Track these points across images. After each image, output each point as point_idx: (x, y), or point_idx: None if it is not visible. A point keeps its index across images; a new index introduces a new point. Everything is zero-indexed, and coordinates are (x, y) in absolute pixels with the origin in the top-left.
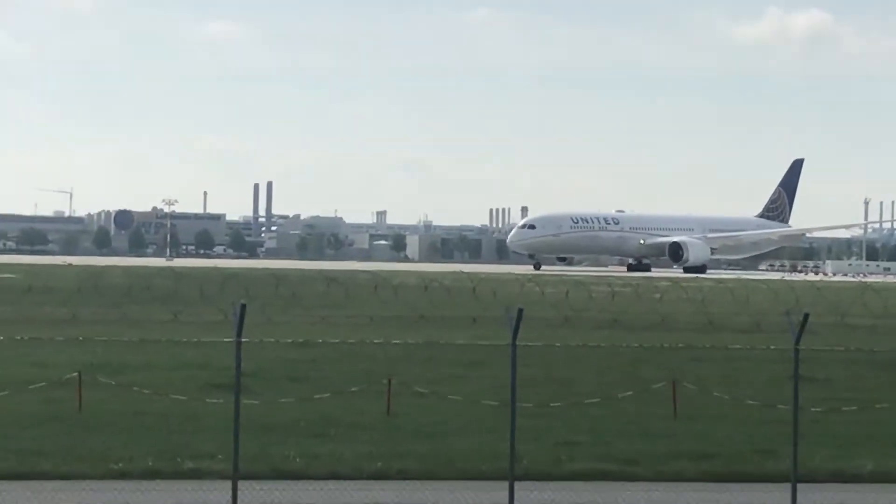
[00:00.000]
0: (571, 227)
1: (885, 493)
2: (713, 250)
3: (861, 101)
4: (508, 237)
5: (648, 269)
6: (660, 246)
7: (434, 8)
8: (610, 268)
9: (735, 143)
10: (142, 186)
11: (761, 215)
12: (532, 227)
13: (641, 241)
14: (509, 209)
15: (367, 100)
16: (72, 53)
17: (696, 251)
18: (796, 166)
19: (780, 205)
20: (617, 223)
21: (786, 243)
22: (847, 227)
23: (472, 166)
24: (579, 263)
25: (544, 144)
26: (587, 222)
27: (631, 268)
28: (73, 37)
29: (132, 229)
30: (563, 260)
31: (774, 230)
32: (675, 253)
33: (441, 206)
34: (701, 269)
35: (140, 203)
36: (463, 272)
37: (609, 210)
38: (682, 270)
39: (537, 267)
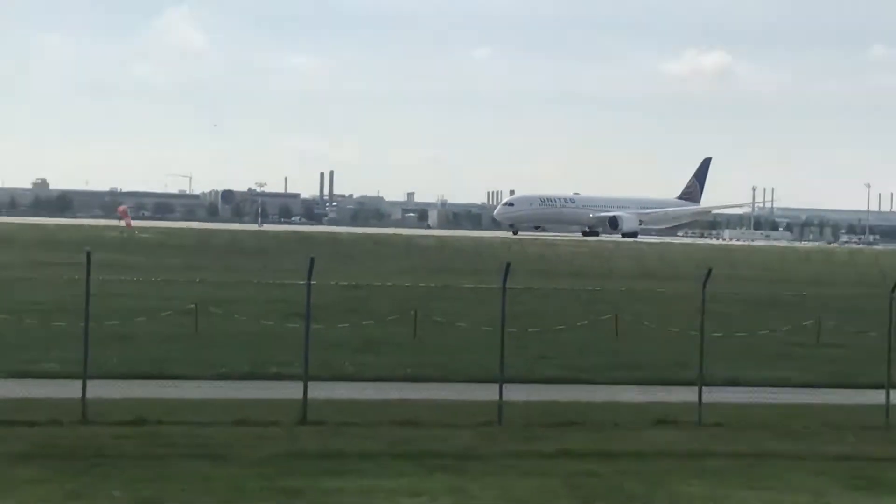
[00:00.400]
0: (540, 205)
1: (765, 393)
2: (641, 222)
3: (753, 117)
4: (494, 212)
5: (597, 235)
6: (604, 219)
7: (448, 46)
8: (569, 234)
9: (663, 145)
10: (242, 172)
11: (680, 197)
12: (511, 204)
13: (591, 215)
14: (501, 192)
15: (401, 112)
16: (194, 76)
17: (629, 223)
18: (706, 163)
19: (693, 190)
20: (573, 202)
21: (697, 217)
22: (740, 206)
23: (477, 161)
24: (548, 230)
25: (528, 145)
26: (552, 201)
27: (585, 234)
28: (194, 65)
29: (234, 204)
30: (537, 228)
31: (687, 208)
32: (614, 223)
33: (455, 189)
34: (633, 235)
35: (240, 184)
36: (469, 236)
37: (568, 193)
38: (620, 236)
39: (515, 233)
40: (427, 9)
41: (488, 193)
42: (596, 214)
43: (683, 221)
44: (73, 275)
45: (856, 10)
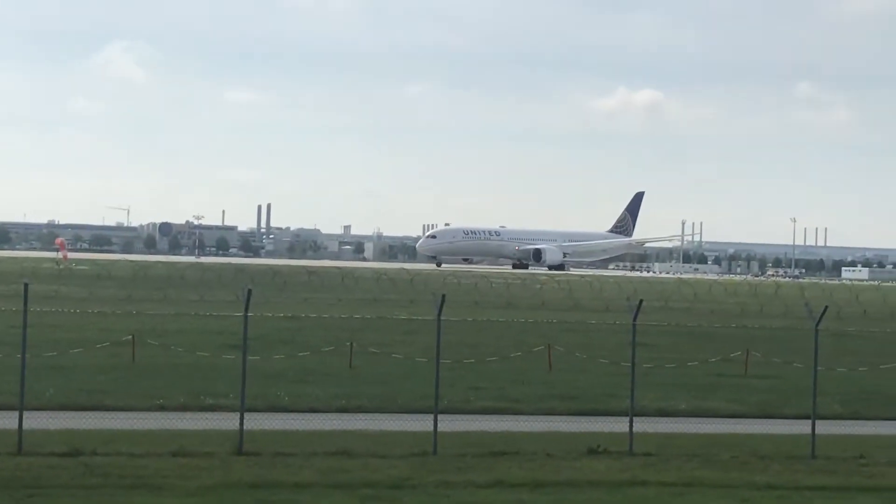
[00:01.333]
0: (463, 237)
1: (695, 423)
2: (566, 254)
3: (682, 152)
4: (418, 244)
5: (527, 267)
6: (528, 251)
7: (379, 83)
8: (499, 267)
9: (595, 180)
10: (180, 205)
11: (612, 230)
12: (434, 237)
13: (516, 248)
14: (436, 225)
15: (339, 144)
16: (132, 110)
17: (552, 255)
18: (638, 197)
19: (625, 224)
20: (498, 235)
21: (628, 250)
22: (669, 238)
23: (412, 194)
24: (478, 263)
25: (462, 180)
26: (475, 234)
27: (515, 266)
28: (133, 98)
29: (171, 236)
30: (466, 260)
31: (616, 240)
32: (537, 256)
33: (390, 222)
34: (560, 267)
35: (177, 217)
36: (405, 269)
37: (494, 226)
38: (546, 268)
39: (438, 265)
40: (362, 45)
41: (423, 226)
42: (522, 247)
43: (614, 254)
44: (10, 306)
45: (781, 47)
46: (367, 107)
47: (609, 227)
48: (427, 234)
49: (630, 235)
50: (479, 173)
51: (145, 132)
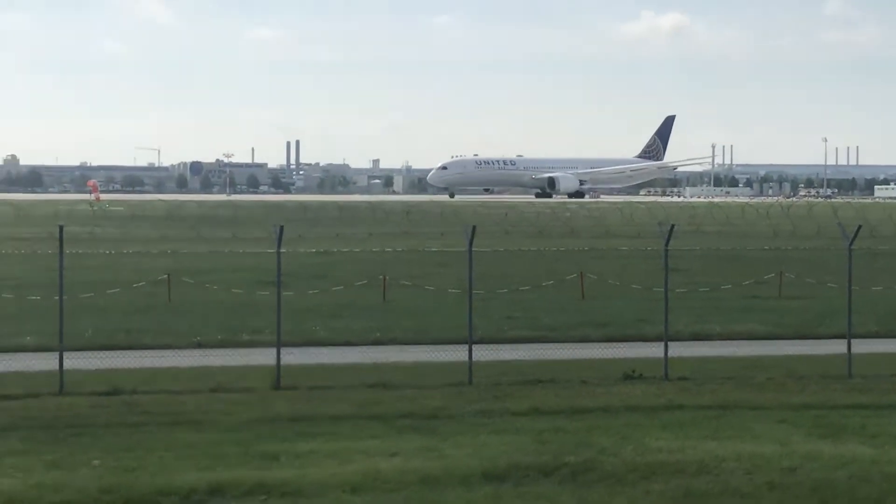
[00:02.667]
0: (476, 168)
1: (729, 347)
2: (582, 182)
3: (712, 75)
4: (429, 176)
5: (551, 196)
6: (543, 179)
7: (405, 17)
8: (519, 196)
9: (625, 106)
10: (210, 144)
11: (640, 155)
12: (445, 168)
13: (532, 177)
14: (463, 156)
15: (365, 79)
16: (160, 50)
17: (566, 182)
18: (668, 121)
19: (654, 148)
20: (514, 164)
21: (657, 175)
22: (699, 161)
23: (440, 126)
24: (499, 193)
25: (491, 110)
26: (488, 164)
27: (538, 195)
28: (159, 38)
29: (202, 175)
30: (487, 191)
31: (643, 164)
32: (551, 184)
33: (419, 155)
34: (579, 194)
35: (208, 156)
36: (434, 201)
37: (513, 155)
38: (566, 196)
39: (451, 196)
40: None
41: (452, 158)
42: (537, 176)
43: (643, 179)
44: (45, 249)
45: None
46: (392, 40)
47: (638, 152)
48: (438, 165)
49: (660, 160)
50: (506, 103)
51: (173, 72)
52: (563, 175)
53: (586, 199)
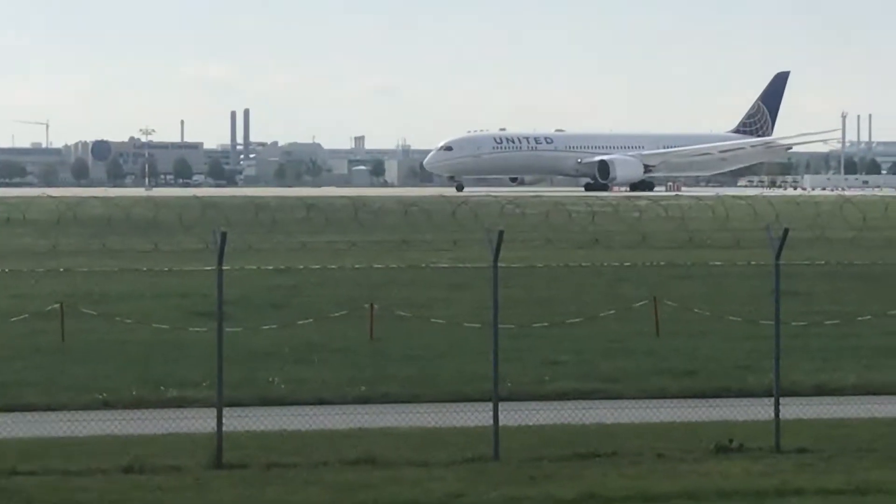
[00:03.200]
0: (494, 148)
1: (868, 404)
2: (650, 167)
3: (842, 20)
4: (426, 160)
5: (606, 188)
6: (594, 164)
7: None
8: (562, 189)
9: (717, 60)
10: (118, 116)
11: (736, 130)
12: (449, 148)
13: (579, 161)
14: (487, 132)
15: (343, 25)
16: None
17: (626, 169)
18: (779, 80)
19: (759, 118)
20: (550, 142)
21: (762, 158)
22: (823, 139)
23: (449, 89)
24: (532, 184)
25: (520, 66)
26: (513, 143)
27: (589, 186)
28: None
29: (110, 159)
30: (514, 180)
31: (740, 142)
32: (604, 171)
33: (420, 130)
34: (644, 185)
35: (117, 133)
36: (443, 195)
37: (549, 129)
38: (627, 188)
39: (459, 189)
40: None
41: (469, 134)
42: (586, 159)
43: (744, 163)
44: None
45: None
46: None
47: (734, 125)
48: (440, 144)
49: (768, 135)
50: (541, 57)
51: (67, 16)
52: (622, 158)
53: (660, 191)
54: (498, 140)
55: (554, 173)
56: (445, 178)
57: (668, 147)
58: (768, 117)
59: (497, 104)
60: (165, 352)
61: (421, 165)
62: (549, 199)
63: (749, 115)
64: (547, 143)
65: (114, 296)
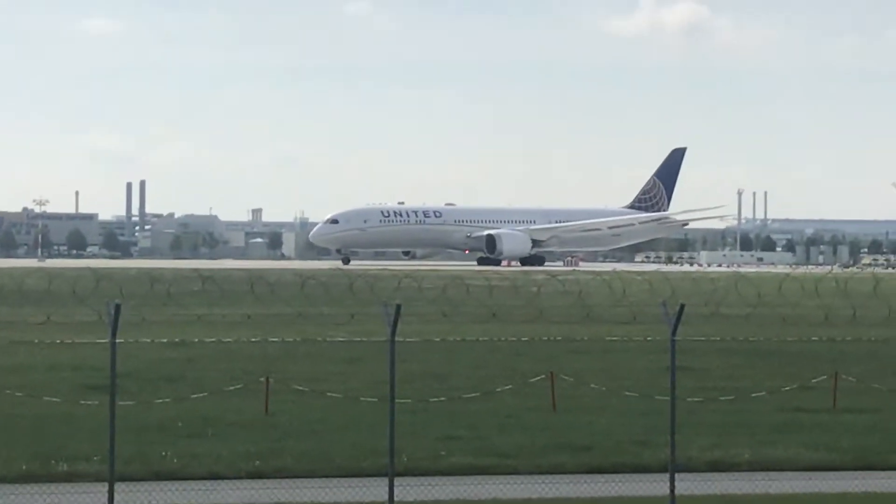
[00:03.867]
0: (381, 221)
1: (763, 481)
2: (540, 242)
3: (737, 93)
4: (311, 233)
5: (498, 263)
6: (482, 238)
7: (303, 1)
8: (451, 263)
9: (613, 135)
10: (11, 186)
11: (631, 206)
12: (335, 221)
13: (468, 235)
14: (376, 205)
15: (239, 96)
16: None
17: (512, 243)
18: (676, 155)
19: (654, 194)
20: (439, 216)
21: (658, 233)
22: (719, 216)
23: (348, 162)
24: (424, 258)
25: (422, 140)
26: (400, 216)
27: (482, 261)
28: None
29: (2, 230)
30: (406, 254)
31: (622, 218)
32: (491, 245)
33: (318, 203)
34: (533, 260)
35: (10, 203)
36: (340, 269)
37: (439, 203)
38: (518, 262)
39: (346, 262)
40: None
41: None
42: (476, 233)
43: (637, 239)
44: None
45: None
46: (282, 36)
47: (629, 200)
48: (327, 217)
49: (664, 211)
50: (446, 130)
51: None
52: (509, 232)
53: (557, 266)
54: (385, 213)
55: (443, 247)
56: (329, 250)
57: (559, 222)
58: (664, 193)
59: (398, 177)
60: (56, 425)
61: None
62: (447, 272)
63: (644, 191)
64: (435, 216)
65: (3, 368)
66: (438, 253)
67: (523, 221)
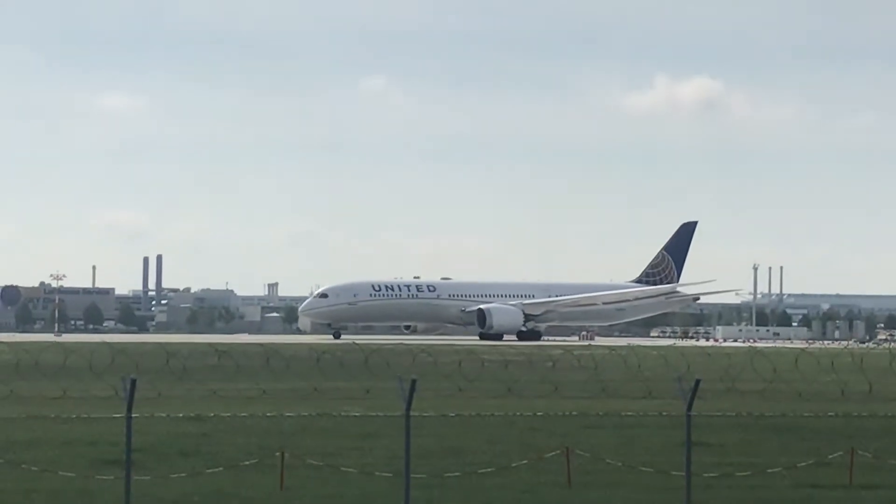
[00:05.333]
0: (371, 296)
1: None
2: (534, 316)
3: (751, 169)
4: (301, 307)
5: (501, 337)
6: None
7: (326, 75)
8: (462, 336)
9: (628, 211)
10: (28, 261)
11: (639, 280)
12: (325, 295)
13: (463, 309)
14: (401, 279)
15: (256, 171)
16: None
17: (503, 317)
18: (686, 229)
19: (663, 268)
20: (433, 290)
21: (668, 308)
22: (727, 291)
23: (365, 237)
24: (425, 332)
25: (438, 215)
26: (392, 290)
27: (483, 336)
28: None
29: (19, 304)
30: (408, 328)
31: (616, 291)
32: (482, 319)
33: (335, 278)
34: (532, 335)
35: (27, 278)
36: (356, 343)
37: (436, 277)
38: (515, 337)
39: (336, 336)
40: (295, 24)
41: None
42: (470, 308)
43: (643, 314)
44: None
45: (891, 17)
46: (298, 113)
47: (637, 275)
48: (317, 291)
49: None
50: (455, 207)
51: None
52: (500, 307)
53: (573, 341)
54: (376, 287)
55: (437, 321)
56: (320, 324)
57: (557, 296)
58: (673, 267)
59: (416, 251)
60: (72, 501)
61: None
62: (462, 346)
63: (652, 266)
64: (430, 290)
65: (20, 443)
66: (439, 328)
67: (520, 296)
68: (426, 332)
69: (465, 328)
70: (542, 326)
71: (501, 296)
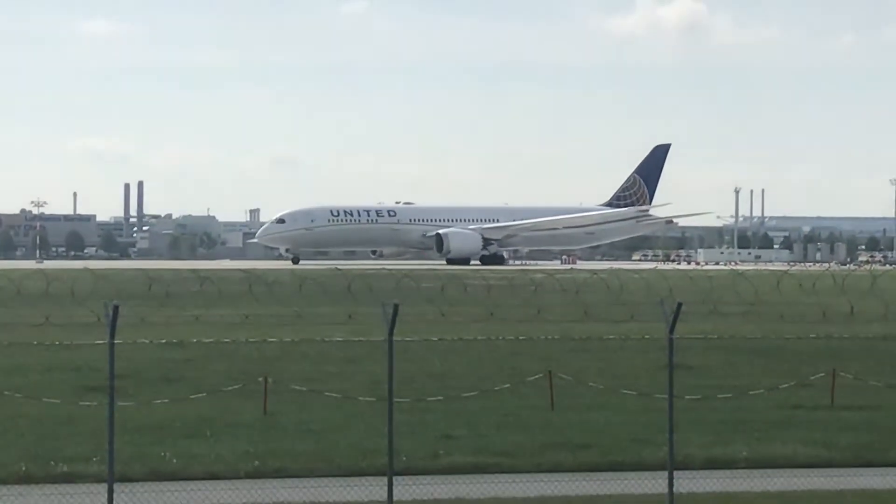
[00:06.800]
0: (329, 221)
1: (761, 478)
2: (492, 241)
3: (731, 90)
4: (258, 233)
5: (467, 263)
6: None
7: (298, 3)
8: (431, 262)
9: (606, 134)
10: (9, 188)
11: (609, 203)
12: (282, 221)
13: (424, 234)
14: (384, 204)
15: (236, 96)
16: None
17: (461, 241)
18: (659, 152)
19: (634, 191)
20: (393, 215)
21: (640, 231)
22: (699, 214)
23: (347, 161)
24: (392, 257)
25: (420, 138)
26: (350, 215)
27: (450, 262)
28: None
29: (0, 232)
30: (374, 253)
31: (584, 213)
32: (439, 243)
33: (316, 203)
34: (493, 259)
35: (8, 205)
36: (338, 269)
37: (397, 201)
38: (479, 263)
39: (295, 262)
40: None
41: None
42: (431, 233)
43: (614, 237)
44: None
45: None
46: (278, 37)
47: (607, 198)
48: (275, 217)
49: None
50: (437, 130)
51: None
52: (458, 231)
53: (555, 265)
54: (334, 213)
55: (395, 246)
56: (277, 250)
57: (521, 219)
58: (645, 190)
59: (397, 176)
60: (56, 427)
61: None
62: (443, 272)
63: (623, 189)
64: (389, 215)
65: (3, 369)
66: (404, 253)
67: (484, 220)
68: (391, 257)
69: (428, 253)
70: (503, 251)
71: (465, 220)
